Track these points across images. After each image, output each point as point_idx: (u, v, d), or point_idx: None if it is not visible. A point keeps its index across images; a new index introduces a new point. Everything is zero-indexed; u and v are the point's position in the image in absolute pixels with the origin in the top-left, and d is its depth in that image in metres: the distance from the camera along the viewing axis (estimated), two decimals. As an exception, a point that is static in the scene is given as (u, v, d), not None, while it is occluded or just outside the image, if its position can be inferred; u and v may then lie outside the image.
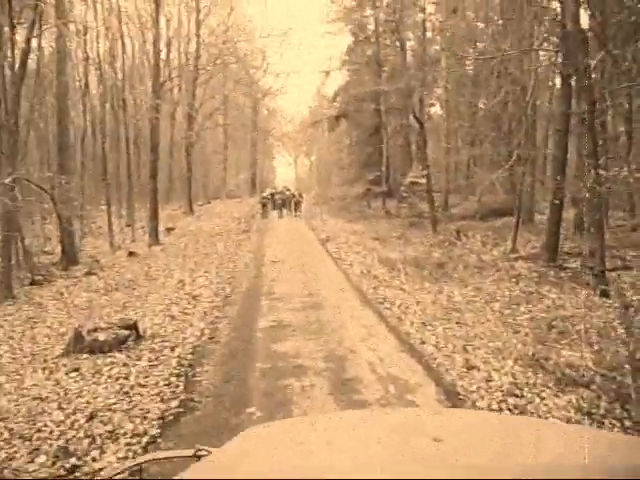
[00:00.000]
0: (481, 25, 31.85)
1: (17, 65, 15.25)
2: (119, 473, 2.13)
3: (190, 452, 1.99)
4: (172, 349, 9.07)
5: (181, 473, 1.69)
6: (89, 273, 18.40)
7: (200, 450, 1.96)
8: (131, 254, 22.19)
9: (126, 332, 9.37)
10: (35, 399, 7.42)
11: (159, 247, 24.06)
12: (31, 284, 17.16)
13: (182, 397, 7.01)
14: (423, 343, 9.01)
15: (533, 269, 15.78)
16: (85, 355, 8.92)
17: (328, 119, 40.52)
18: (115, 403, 6.96)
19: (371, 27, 37.82)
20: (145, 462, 2.15)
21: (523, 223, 21.96)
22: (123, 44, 29.11)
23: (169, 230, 29.14)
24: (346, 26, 39.51)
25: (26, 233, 24.99)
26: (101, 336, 9.10)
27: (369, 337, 9.25)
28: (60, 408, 6.99)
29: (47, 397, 7.44)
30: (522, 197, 19.99)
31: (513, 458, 1.53)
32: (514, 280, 14.53)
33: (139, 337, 9.67)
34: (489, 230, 23.22)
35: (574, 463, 1.46)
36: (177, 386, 7.41)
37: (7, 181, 13.97)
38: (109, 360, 8.63)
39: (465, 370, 7.79)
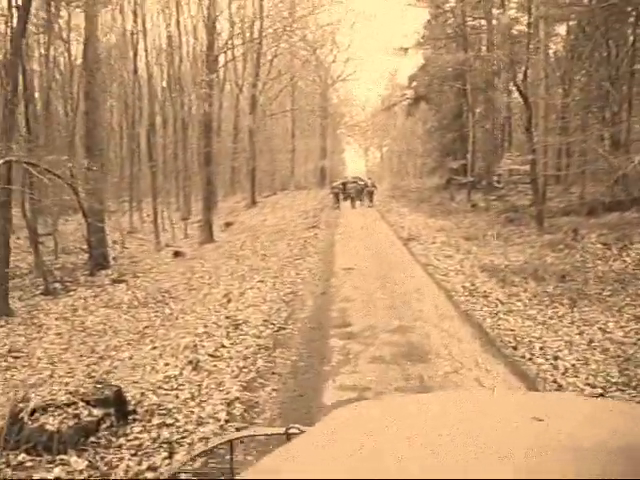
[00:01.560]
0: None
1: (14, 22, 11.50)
2: (211, 449, 2.21)
3: (281, 430, 1.94)
4: (170, 453, 4.99)
5: (271, 453, 1.43)
6: (117, 280, 14.66)
7: (291, 428, 1.87)
8: (177, 254, 18.51)
9: (98, 413, 5.33)
10: None
11: (212, 245, 20.30)
12: (44, 294, 13.51)
13: None
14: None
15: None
16: (22, 456, 4.96)
17: (407, 101, 35.98)
18: None
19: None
20: (236, 439, 2.12)
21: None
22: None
23: (227, 225, 25.40)
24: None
25: (64, 229, 21.71)
26: (52, 422, 5.12)
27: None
28: None
29: None
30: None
31: (621, 441, 1.25)
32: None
33: (126, 415, 5.65)
34: (603, 228, 18.50)
35: None
36: None
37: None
38: (54, 475, 4.67)
39: None
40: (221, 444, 2.12)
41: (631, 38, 24.57)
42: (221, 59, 25.79)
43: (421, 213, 26.81)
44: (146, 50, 24.97)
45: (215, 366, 7.32)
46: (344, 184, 34.47)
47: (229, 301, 11.57)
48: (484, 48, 32.50)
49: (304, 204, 33.02)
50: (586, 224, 19.73)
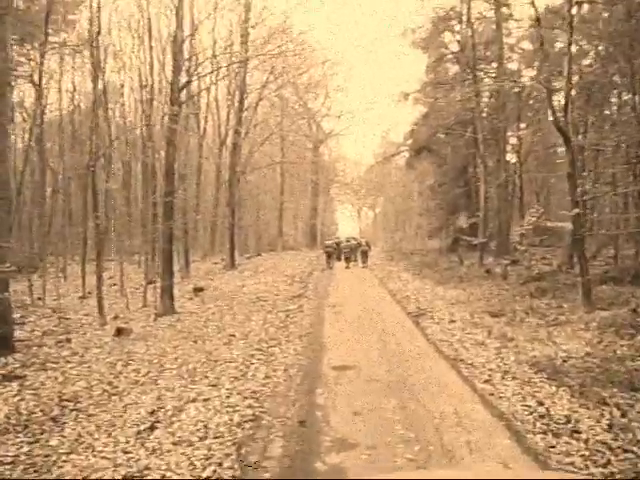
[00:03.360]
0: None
1: None
2: None
3: None
4: None
5: None
6: (10, 376, 10.04)
7: None
8: (119, 332, 13.93)
9: None
10: None
11: (170, 319, 15.77)
12: None
13: None
14: None
15: None
16: None
17: (407, 152, 31.84)
18: None
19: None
20: None
21: None
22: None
23: (197, 291, 20.85)
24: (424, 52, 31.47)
25: None
26: None
27: None
28: None
29: None
30: None
31: None
32: None
33: None
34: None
35: None
36: None
37: None
38: None
39: None
40: None
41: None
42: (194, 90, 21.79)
43: (427, 280, 22.35)
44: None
45: None
46: (337, 243, 32.13)
47: (153, 427, 7.05)
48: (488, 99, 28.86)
49: (291, 267, 28.55)
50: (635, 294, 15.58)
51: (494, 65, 29.68)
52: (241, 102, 27.71)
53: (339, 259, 31.28)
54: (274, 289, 20.88)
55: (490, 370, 9.14)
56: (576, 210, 14.12)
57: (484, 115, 27.27)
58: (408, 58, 71.99)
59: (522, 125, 31.28)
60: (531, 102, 29.86)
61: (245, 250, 37.20)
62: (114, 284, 23.91)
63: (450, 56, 30.19)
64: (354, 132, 71.63)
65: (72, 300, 21.13)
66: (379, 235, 64.44)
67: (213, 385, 8.80)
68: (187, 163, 28.64)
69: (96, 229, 15.91)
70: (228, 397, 8.02)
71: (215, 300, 18.87)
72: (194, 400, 8.02)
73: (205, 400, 7.98)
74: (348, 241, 32.28)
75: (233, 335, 13.08)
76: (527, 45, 31.50)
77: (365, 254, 30.82)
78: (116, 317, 16.77)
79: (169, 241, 16.91)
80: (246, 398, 7.85)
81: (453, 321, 13.84)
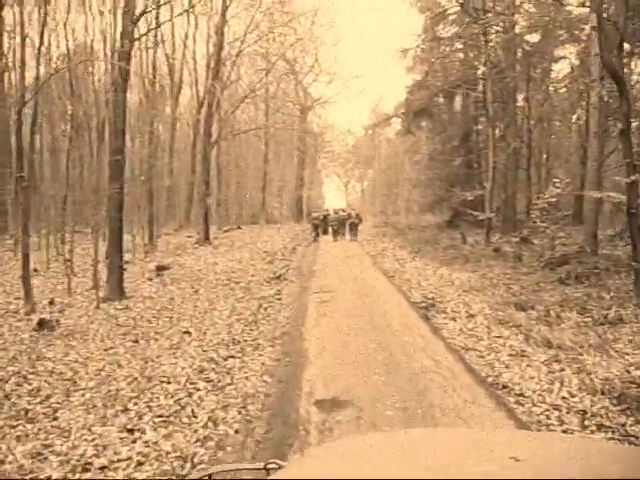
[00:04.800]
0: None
1: None
2: None
3: (260, 465, 1.80)
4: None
5: None
6: None
7: (270, 463, 1.75)
8: (42, 325, 10.56)
9: None
10: None
11: (116, 306, 12.42)
12: None
13: None
14: None
15: None
16: None
17: (404, 115, 28.22)
18: None
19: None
20: (214, 473, 1.89)
21: None
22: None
23: (159, 270, 17.44)
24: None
25: None
26: None
27: None
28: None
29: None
30: None
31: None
32: None
33: None
34: None
35: None
36: None
37: None
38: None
39: None
40: (199, 478, 1.86)
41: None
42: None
43: (427, 259, 19.03)
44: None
45: None
46: (325, 215, 29.77)
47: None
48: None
49: (272, 242, 25.21)
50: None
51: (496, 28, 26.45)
52: (218, 54, 24.03)
53: (326, 232, 28.80)
54: (250, 268, 17.57)
55: (555, 408, 5.92)
56: (633, 177, 10.80)
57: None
58: (402, 21, 68.09)
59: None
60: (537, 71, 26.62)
61: (225, 223, 33.77)
62: (67, 260, 20.54)
63: (452, 11, 26.71)
64: (344, 99, 67.83)
65: (13, 278, 17.75)
66: (368, 209, 61.25)
67: (129, 430, 5.52)
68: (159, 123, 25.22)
69: (22, 193, 12.46)
70: (140, 465, 4.71)
71: (178, 281, 15.57)
72: (85, 468, 4.73)
73: (101, 469, 4.69)
74: (337, 213, 29.78)
75: (187, 332, 9.85)
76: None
77: (355, 227, 28.15)
78: (52, 302, 13.39)
79: (118, 209, 13.51)
80: (165, 475, 4.53)
81: (472, 316, 10.63)
